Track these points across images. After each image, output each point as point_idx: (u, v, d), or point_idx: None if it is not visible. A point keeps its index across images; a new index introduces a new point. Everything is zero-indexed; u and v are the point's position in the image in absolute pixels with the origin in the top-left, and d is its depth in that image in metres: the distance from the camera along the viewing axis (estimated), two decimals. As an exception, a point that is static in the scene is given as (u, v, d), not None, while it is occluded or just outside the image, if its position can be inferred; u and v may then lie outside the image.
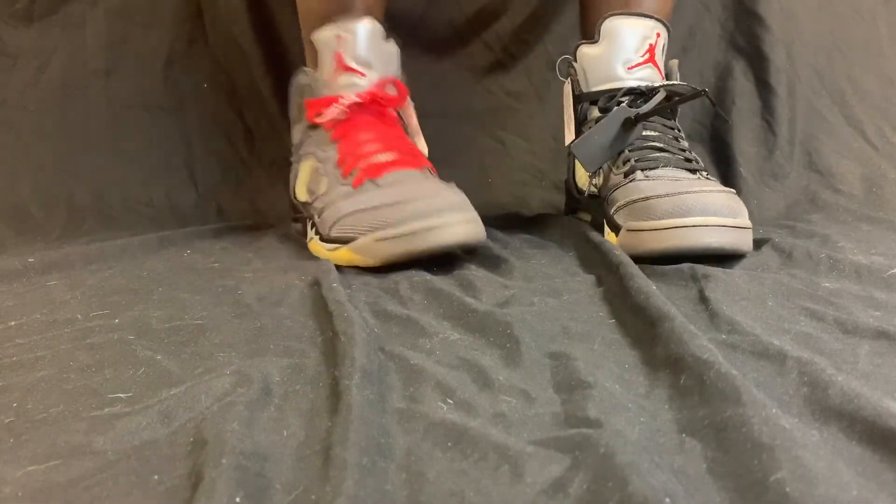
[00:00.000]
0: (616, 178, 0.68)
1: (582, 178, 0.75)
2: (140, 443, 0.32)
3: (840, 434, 0.31)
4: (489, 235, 0.66)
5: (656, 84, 0.69)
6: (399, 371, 0.39)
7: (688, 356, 0.37)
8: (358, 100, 0.70)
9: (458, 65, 1.06)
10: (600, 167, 0.70)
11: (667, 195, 0.61)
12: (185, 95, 1.05)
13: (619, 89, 0.71)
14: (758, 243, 0.65)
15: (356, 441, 0.29)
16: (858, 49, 1.05)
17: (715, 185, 0.64)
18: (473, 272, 0.58)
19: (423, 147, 0.73)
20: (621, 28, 0.71)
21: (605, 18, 0.71)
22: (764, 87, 1.01)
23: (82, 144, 1.03)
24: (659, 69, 0.72)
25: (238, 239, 0.79)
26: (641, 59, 0.71)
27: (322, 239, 0.67)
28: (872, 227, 0.77)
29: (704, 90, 0.66)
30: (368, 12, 0.72)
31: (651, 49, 0.71)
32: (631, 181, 0.65)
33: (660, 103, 0.67)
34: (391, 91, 0.72)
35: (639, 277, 0.50)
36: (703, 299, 0.49)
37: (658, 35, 0.72)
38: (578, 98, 0.74)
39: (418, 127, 0.75)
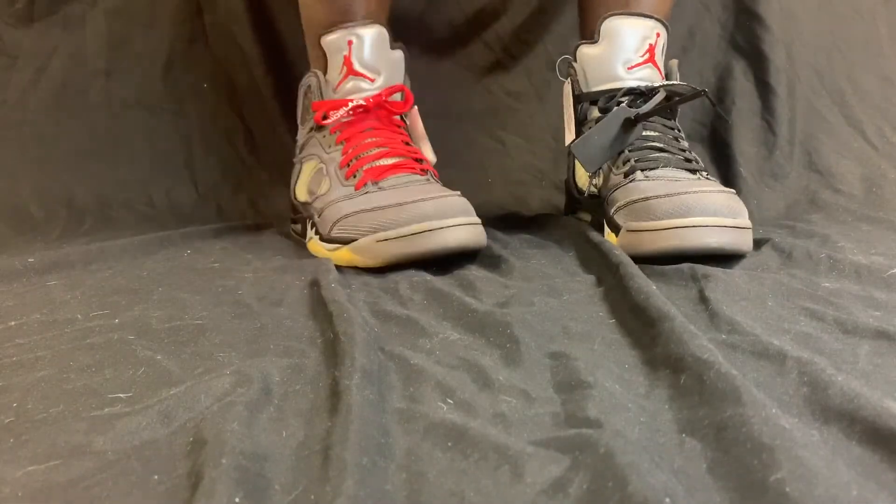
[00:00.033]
0: (616, 178, 0.68)
1: (582, 178, 0.75)
2: (140, 443, 0.32)
3: (840, 434, 0.31)
4: (489, 235, 0.66)
5: (656, 84, 0.69)
6: (399, 371, 0.39)
7: (688, 356, 0.37)
8: (364, 104, 0.71)
9: (458, 65, 1.06)
10: (600, 167, 0.70)
11: (667, 195, 0.61)
12: (185, 95, 1.05)
13: (618, 89, 0.71)
14: (758, 243, 0.65)
15: (356, 441, 0.29)
16: (858, 49, 1.05)
17: (715, 186, 0.64)
18: (473, 272, 0.58)
19: (429, 154, 0.74)
20: (621, 28, 0.71)
21: (605, 18, 0.71)
22: (764, 87, 1.01)
23: (82, 145, 1.02)
24: (659, 69, 0.72)
25: (238, 239, 0.79)
26: (641, 59, 0.71)
27: (322, 239, 0.67)
28: (872, 227, 0.77)
29: (704, 90, 0.66)
30: (373, 20, 0.72)
31: (651, 49, 0.71)
32: (631, 181, 0.65)
33: (660, 103, 0.67)
34: (398, 98, 0.73)
35: (639, 277, 0.50)
36: (703, 299, 0.49)
37: (658, 35, 0.72)
38: (578, 98, 0.74)
39: (424, 133, 0.75)
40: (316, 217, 0.69)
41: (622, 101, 0.69)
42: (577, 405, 0.34)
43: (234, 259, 0.68)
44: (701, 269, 0.55)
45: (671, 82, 0.71)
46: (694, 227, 0.59)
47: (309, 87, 0.74)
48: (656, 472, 0.27)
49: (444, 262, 0.60)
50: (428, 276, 0.57)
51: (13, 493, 0.28)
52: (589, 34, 0.74)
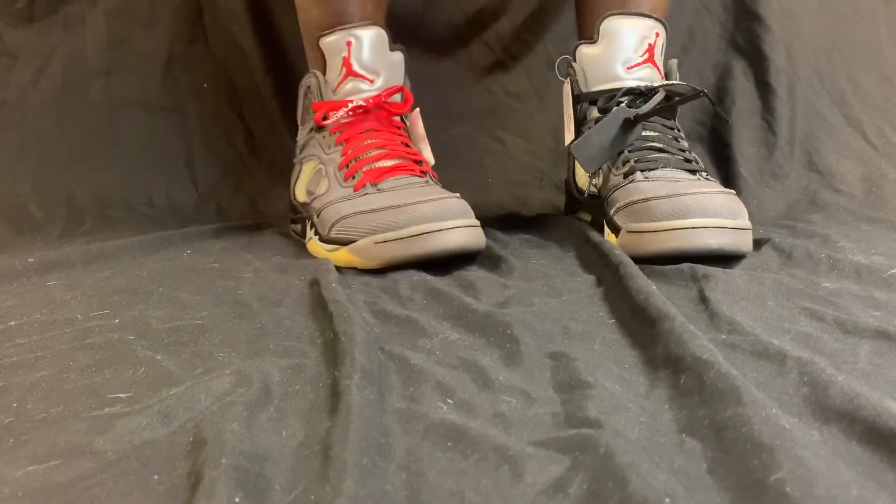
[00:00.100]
0: (616, 178, 0.68)
1: (582, 177, 0.75)
2: (140, 443, 0.32)
3: (840, 434, 0.31)
4: (489, 235, 0.66)
5: (656, 84, 0.69)
6: (399, 371, 0.39)
7: (688, 356, 0.36)
8: (364, 104, 0.71)
9: (458, 65, 1.06)
10: (600, 167, 0.70)
11: (667, 196, 0.61)
12: (185, 95, 1.05)
13: (618, 89, 0.71)
14: (758, 243, 0.65)
15: (356, 441, 0.29)
16: (858, 49, 1.05)
17: (715, 186, 0.64)
18: (473, 272, 0.58)
19: (428, 155, 0.74)
20: (620, 28, 0.71)
21: (604, 18, 0.71)
22: (764, 87, 1.01)
23: (82, 144, 1.03)
24: (658, 69, 0.72)
25: (238, 239, 0.79)
26: (641, 59, 0.71)
27: (321, 239, 0.67)
28: (872, 227, 0.77)
29: (704, 91, 0.66)
30: (371, 21, 0.72)
31: (650, 49, 0.71)
32: (630, 182, 0.65)
33: (659, 103, 0.67)
34: (397, 99, 0.73)
35: (639, 277, 0.50)
36: (703, 299, 0.49)
37: (657, 35, 0.72)
38: (578, 98, 0.74)
39: (424, 135, 0.75)
40: (315, 217, 0.69)
41: (622, 101, 0.69)
42: (577, 405, 0.34)
43: (234, 259, 0.68)
44: (701, 269, 0.55)
45: (671, 82, 0.71)
46: (694, 228, 0.59)
47: (309, 87, 0.74)
48: (656, 472, 0.27)
49: (444, 262, 0.60)
50: (428, 277, 0.57)
51: (13, 493, 0.28)
52: (587, 34, 0.74)
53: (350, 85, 0.72)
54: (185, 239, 0.77)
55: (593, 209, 0.73)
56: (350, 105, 0.71)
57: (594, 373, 0.37)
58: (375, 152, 0.69)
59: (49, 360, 0.42)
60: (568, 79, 0.75)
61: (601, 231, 0.67)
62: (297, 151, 0.78)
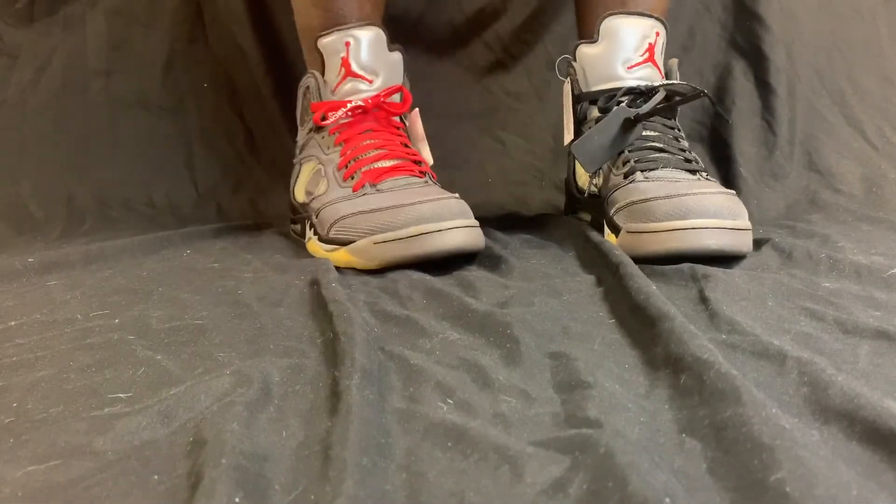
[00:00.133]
0: (616, 178, 0.68)
1: (582, 177, 0.75)
2: (140, 443, 0.32)
3: (840, 434, 0.31)
4: (489, 235, 0.66)
5: (656, 84, 0.69)
6: (399, 371, 0.39)
7: (688, 356, 0.36)
8: (363, 105, 0.71)
9: (458, 65, 1.06)
10: (600, 167, 0.70)
11: (667, 197, 0.61)
12: (185, 95, 1.05)
13: (618, 89, 0.71)
14: (758, 243, 0.65)
15: (356, 441, 0.29)
16: (858, 49, 1.05)
17: (715, 187, 0.64)
18: (473, 272, 0.58)
19: (427, 155, 0.74)
20: (620, 27, 0.71)
21: (605, 18, 0.71)
22: (764, 87, 1.01)
23: (82, 144, 1.03)
24: (659, 68, 0.72)
25: (238, 239, 0.79)
26: (641, 59, 0.71)
27: (321, 239, 0.67)
28: (872, 227, 0.77)
29: (704, 90, 0.66)
30: (368, 21, 0.72)
31: (651, 48, 0.71)
32: (631, 182, 0.65)
33: (659, 103, 0.67)
34: (396, 99, 0.73)
35: (639, 277, 0.50)
36: (703, 299, 0.49)
37: (657, 34, 0.72)
38: (578, 98, 0.74)
39: (423, 135, 0.75)
40: (314, 217, 0.69)
41: (622, 101, 0.69)
42: (577, 405, 0.34)
43: (233, 259, 0.68)
44: (701, 269, 0.55)
45: (671, 82, 0.71)
46: (694, 228, 0.59)
47: (308, 87, 0.74)
48: (656, 472, 0.27)
49: (444, 262, 0.60)
50: (427, 276, 0.57)
51: (13, 493, 0.28)
52: (587, 34, 0.74)
53: (349, 85, 0.72)
54: (185, 239, 0.77)
55: (593, 209, 0.73)
56: (349, 105, 0.71)
57: (594, 373, 0.37)
58: (374, 152, 0.69)
59: (49, 360, 0.42)
60: (568, 78, 0.75)
61: (601, 231, 0.67)
62: (297, 152, 0.78)
